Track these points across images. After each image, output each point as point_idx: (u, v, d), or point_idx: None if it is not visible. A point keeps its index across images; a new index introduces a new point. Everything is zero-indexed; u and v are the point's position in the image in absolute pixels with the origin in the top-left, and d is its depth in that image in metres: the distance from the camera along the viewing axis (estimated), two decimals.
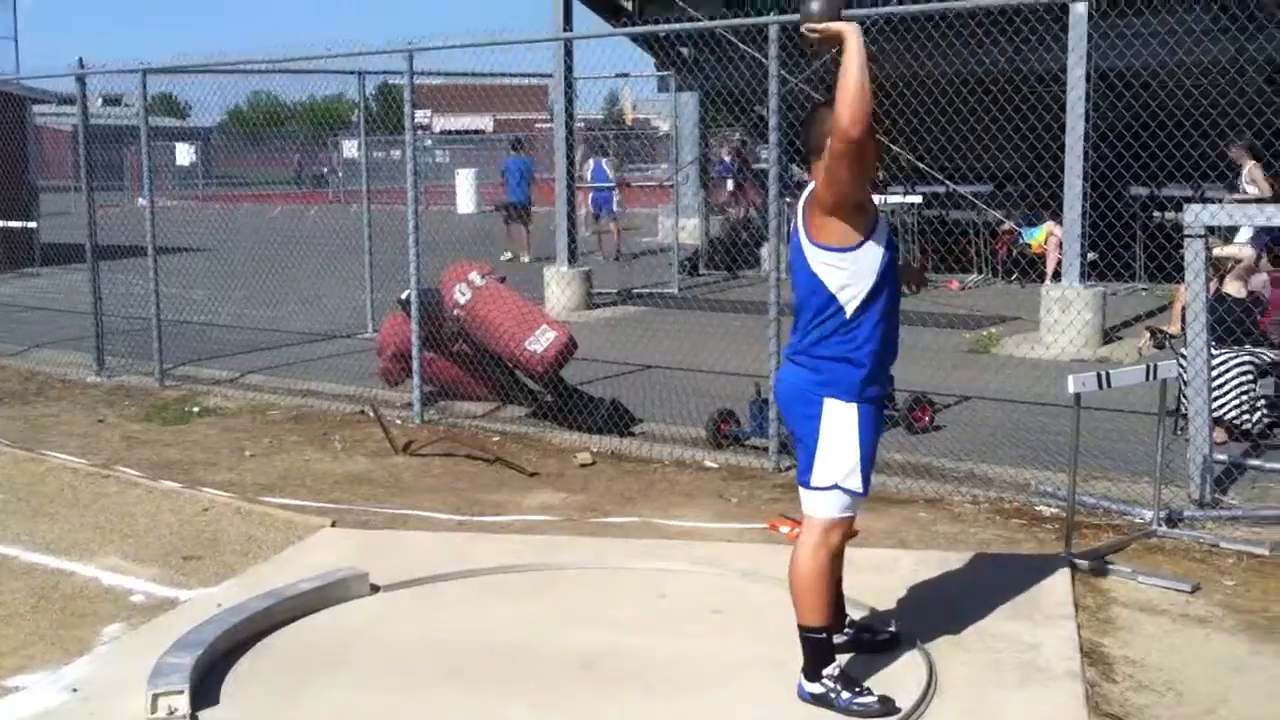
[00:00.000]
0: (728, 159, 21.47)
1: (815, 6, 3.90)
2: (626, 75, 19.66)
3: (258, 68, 12.44)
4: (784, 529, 6.12)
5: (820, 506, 4.12)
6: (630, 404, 8.57)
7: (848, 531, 4.21)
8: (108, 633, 5.04)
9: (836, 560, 4.16)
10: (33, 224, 19.89)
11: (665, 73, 18.78)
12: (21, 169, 20.19)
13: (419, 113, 9.54)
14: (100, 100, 26.71)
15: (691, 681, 4.37)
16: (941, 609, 4.89)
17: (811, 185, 4.06)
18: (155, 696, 4.14)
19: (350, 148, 27.39)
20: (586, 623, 4.91)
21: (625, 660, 4.54)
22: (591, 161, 20.52)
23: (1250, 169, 12.52)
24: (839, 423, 4.04)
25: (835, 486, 4.07)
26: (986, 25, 9.74)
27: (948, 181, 15.18)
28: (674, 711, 4.15)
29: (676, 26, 11.99)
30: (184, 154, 36.91)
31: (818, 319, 4.04)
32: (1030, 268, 14.54)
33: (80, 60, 10.94)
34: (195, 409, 9.40)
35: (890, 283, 4.05)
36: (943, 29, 11.85)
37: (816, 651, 4.10)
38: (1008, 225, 15.80)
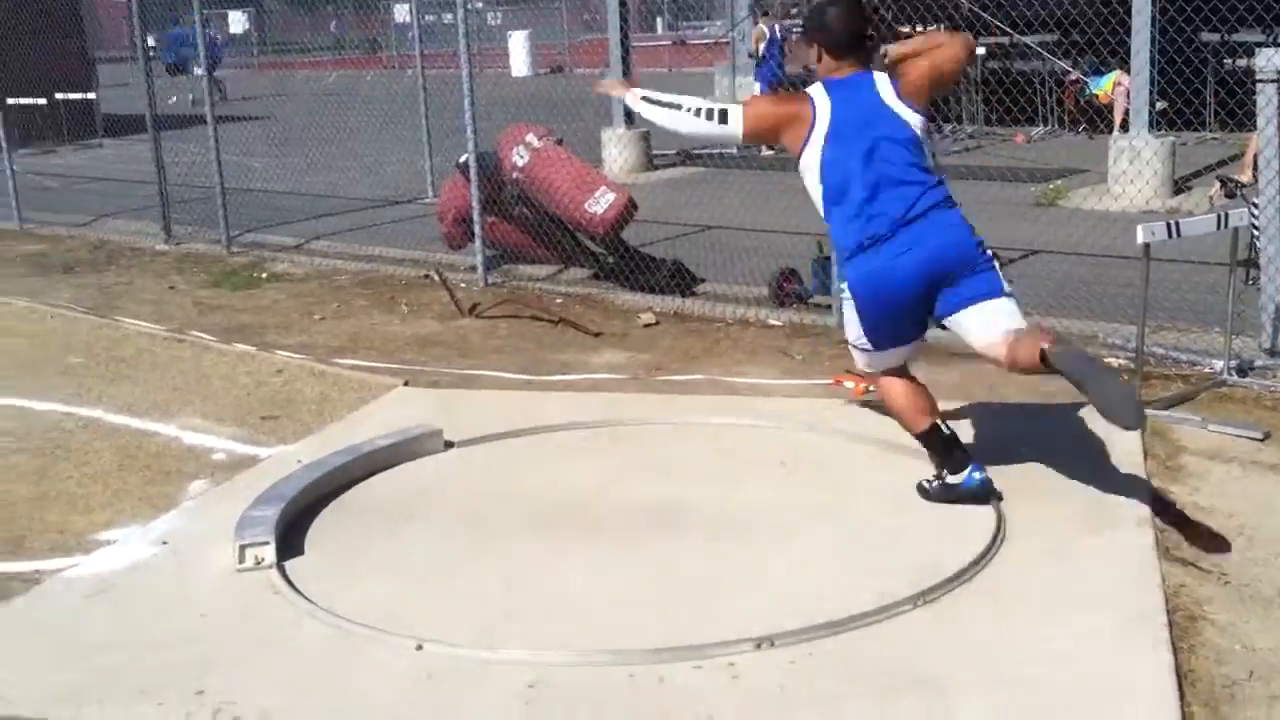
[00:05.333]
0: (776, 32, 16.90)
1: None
2: None
3: None
4: (848, 384, 6.15)
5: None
6: (692, 264, 8.57)
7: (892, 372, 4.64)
8: (193, 489, 5.20)
9: (903, 385, 4.63)
10: (92, 95, 19.99)
11: None
12: (78, 41, 20.22)
13: None
14: None
15: (757, 530, 4.45)
16: (1009, 459, 4.91)
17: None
18: (242, 548, 4.28)
19: (402, 12, 27.10)
20: (654, 476, 4.99)
21: (692, 511, 4.62)
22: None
23: None
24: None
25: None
26: None
27: (1011, 31, 14.80)
28: (740, 557, 4.23)
29: None
30: (237, 22, 36.67)
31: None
32: (1098, 118, 14.23)
33: None
34: (263, 275, 9.53)
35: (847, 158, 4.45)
36: None
37: (935, 447, 4.57)
38: (1074, 75, 15.43)
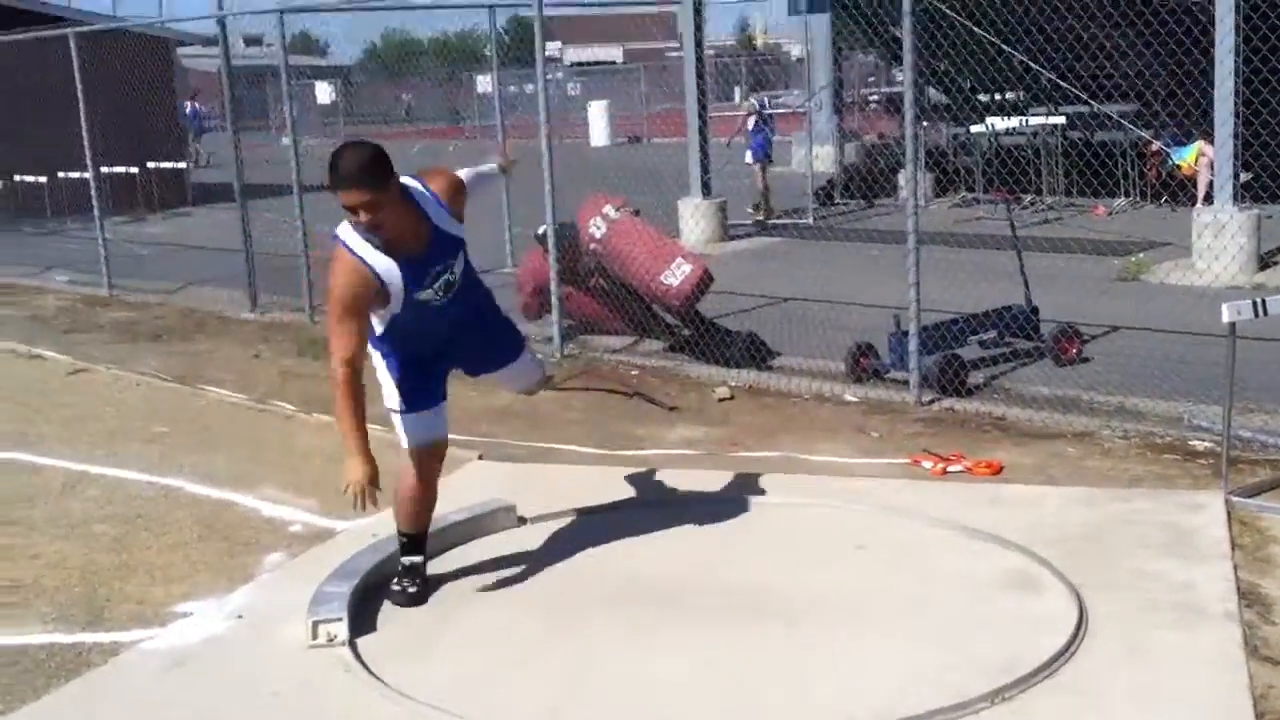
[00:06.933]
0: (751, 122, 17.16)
1: None
2: None
3: (394, 5, 12.58)
4: (927, 464, 6.08)
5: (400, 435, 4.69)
6: (767, 337, 8.55)
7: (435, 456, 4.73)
8: (269, 561, 5.25)
9: (425, 483, 4.71)
10: (183, 165, 20.56)
11: None
12: (170, 111, 20.81)
13: (549, 44, 9.54)
14: (241, 41, 27.32)
15: (832, 616, 4.38)
16: (1092, 546, 4.82)
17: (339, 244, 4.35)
18: (315, 624, 4.31)
19: (484, 83, 27.61)
20: (729, 557, 4.95)
21: (766, 595, 4.57)
22: None
23: None
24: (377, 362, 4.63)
25: (392, 411, 4.65)
26: None
27: (1092, 101, 14.70)
28: (815, 645, 4.17)
29: None
30: (324, 92, 37.53)
31: None
32: (1181, 190, 14.04)
33: (219, 1, 11.19)
34: None
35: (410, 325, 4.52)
36: None
37: (404, 548, 4.74)
38: (1156, 146, 15.26)
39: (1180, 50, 10.78)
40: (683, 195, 14.73)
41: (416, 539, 4.75)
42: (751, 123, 16.84)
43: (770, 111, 17.38)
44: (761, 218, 15.90)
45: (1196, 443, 6.20)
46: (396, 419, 4.66)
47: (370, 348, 4.54)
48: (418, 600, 4.66)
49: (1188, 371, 7.28)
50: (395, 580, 4.70)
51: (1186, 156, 14.66)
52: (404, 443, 4.66)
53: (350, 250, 4.29)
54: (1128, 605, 4.32)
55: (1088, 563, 4.63)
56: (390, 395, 4.64)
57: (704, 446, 6.65)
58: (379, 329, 4.56)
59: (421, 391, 4.64)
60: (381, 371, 4.63)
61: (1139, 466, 5.96)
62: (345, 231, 4.31)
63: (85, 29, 13.22)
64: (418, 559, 4.74)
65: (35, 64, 14.59)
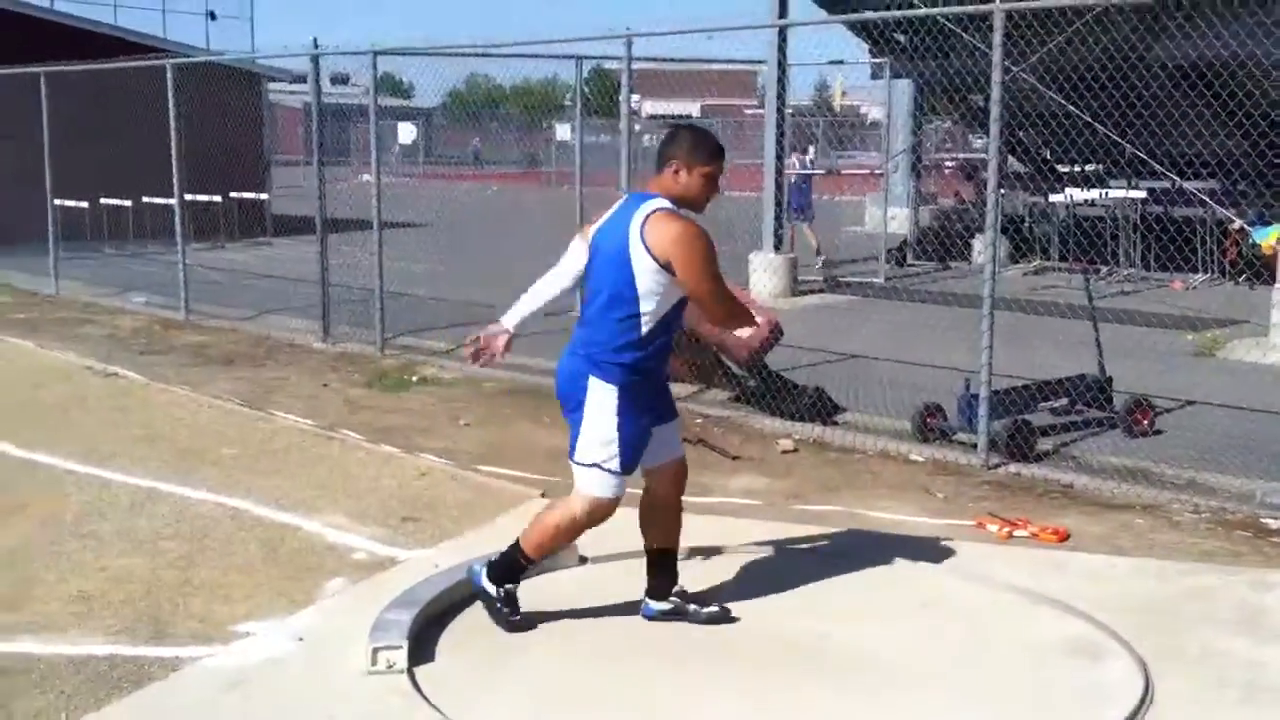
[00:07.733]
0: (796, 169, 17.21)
1: None
2: (840, 62, 19.53)
3: (483, 51, 12.77)
4: (992, 527, 6.01)
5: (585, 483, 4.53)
6: (834, 392, 8.51)
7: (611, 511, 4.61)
8: (331, 586, 5.28)
9: (583, 530, 4.68)
10: (265, 196, 20.96)
11: (880, 59, 18.50)
12: (256, 144, 21.26)
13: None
14: (328, 79, 27.94)
15: (891, 676, 4.33)
16: (1160, 619, 4.73)
17: (666, 210, 4.38)
18: (376, 650, 4.33)
19: (563, 131, 27.95)
20: (789, 609, 4.92)
21: (826, 650, 4.54)
22: None
23: None
24: (599, 400, 4.43)
25: (595, 466, 4.47)
26: (1220, 9, 9.30)
27: (1174, 176, 14.58)
28: (873, 705, 4.13)
29: (900, 14, 11.76)
30: (406, 133, 38.15)
31: (617, 316, 4.46)
32: (1265, 270, 13.84)
33: (315, 41, 11.44)
34: (413, 378, 9.76)
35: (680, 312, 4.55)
36: (1172, 13, 11.36)
37: (512, 568, 4.68)
38: (1237, 224, 15.09)
39: (1272, 132, 10.68)
40: (754, 249, 14.75)
41: (528, 570, 4.74)
42: (795, 179, 16.82)
43: (810, 172, 17.30)
44: (830, 272, 15.92)
45: (1269, 520, 6.08)
46: (598, 474, 4.47)
47: (608, 385, 4.43)
48: (524, 625, 4.69)
49: (1262, 449, 7.17)
50: (497, 603, 4.68)
51: (1268, 236, 14.46)
52: (594, 492, 4.52)
53: (692, 219, 4.40)
54: (1195, 681, 4.23)
55: (1156, 635, 4.54)
56: (606, 450, 4.44)
57: (766, 497, 6.63)
58: (646, 327, 4.44)
59: (640, 453, 4.53)
60: (607, 417, 4.42)
61: (1209, 542, 5.85)
62: (671, 205, 4.42)
63: (182, 60, 13.56)
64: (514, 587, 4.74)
65: (126, 91, 14.95)
